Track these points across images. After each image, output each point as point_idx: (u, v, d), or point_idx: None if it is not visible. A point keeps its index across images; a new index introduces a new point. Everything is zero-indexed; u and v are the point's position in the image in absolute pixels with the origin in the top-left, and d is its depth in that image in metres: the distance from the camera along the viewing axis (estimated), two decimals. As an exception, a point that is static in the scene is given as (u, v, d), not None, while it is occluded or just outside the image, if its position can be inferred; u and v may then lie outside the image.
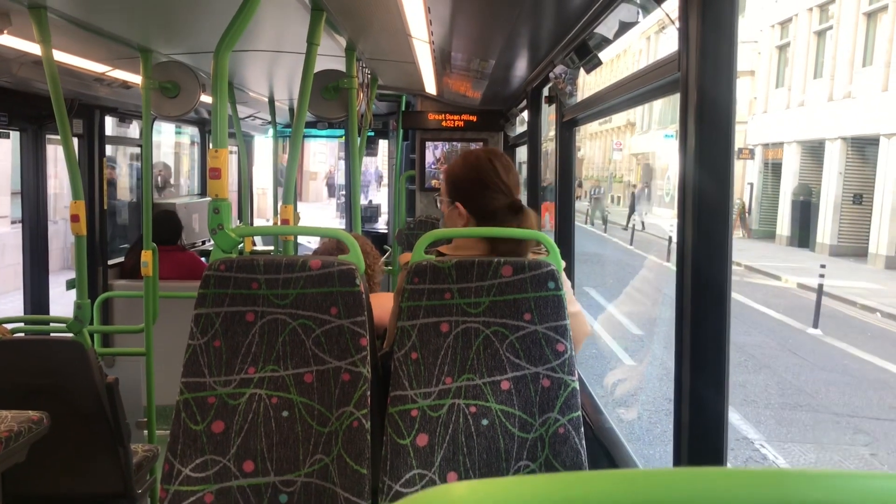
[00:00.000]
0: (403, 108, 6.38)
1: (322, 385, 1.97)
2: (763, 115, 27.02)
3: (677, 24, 1.65)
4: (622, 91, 2.41)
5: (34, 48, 2.99)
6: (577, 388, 2.01)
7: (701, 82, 1.58)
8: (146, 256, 3.72)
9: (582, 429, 1.98)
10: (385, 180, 15.05)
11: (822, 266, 13.18)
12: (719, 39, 1.55)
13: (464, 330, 2.01)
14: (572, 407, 1.98)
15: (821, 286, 12.59)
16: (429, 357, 2.00)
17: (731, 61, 1.56)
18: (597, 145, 48.35)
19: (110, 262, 5.29)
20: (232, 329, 1.99)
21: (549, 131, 4.88)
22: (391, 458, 1.94)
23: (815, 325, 11.96)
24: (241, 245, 4.41)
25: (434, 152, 6.30)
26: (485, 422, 1.98)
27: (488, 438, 1.97)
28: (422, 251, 2.06)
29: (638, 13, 2.12)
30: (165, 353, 3.97)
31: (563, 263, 2.10)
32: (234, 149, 7.17)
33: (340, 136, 9.64)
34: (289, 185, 2.98)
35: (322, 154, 30.04)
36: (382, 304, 2.73)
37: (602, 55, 2.81)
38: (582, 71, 3.07)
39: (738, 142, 28.00)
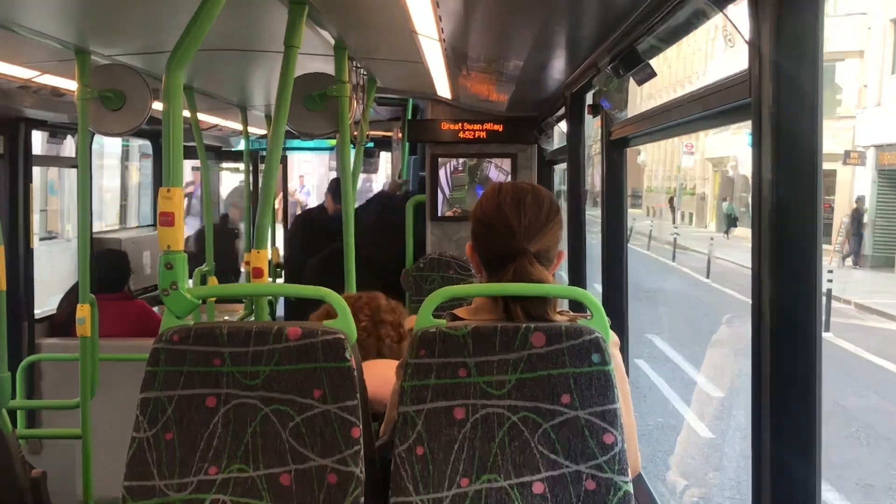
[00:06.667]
0: (410, 116, 6.38)
1: (303, 489, 1.99)
2: (876, 108, 26.91)
3: (747, 36, 1.68)
4: (681, 113, 2.43)
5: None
6: (631, 490, 2.01)
7: (777, 110, 1.60)
8: (83, 311, 3.76)
9: (636, 545, 1.98)
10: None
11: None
12: (800, 58, 1.57)
13: (484, 416, 2.02)
14: None
15: (954, 332, 12.47)
16: (439, 452, 2.01)
17: (816, 86, 1.58)
18: (661, 148, 48.37)
19: (38, 316, 5.34)
20: (188, 417, 2.01)
21: (595, 141, 4.89)
22: None
23: (949, 384, 11.84)
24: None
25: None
26: None
27: None
28: (429, 314, 2.07)
29: (700, 15, 2.16)
30: (108, 431, 3.98)
31: (615, 338, 2.11)
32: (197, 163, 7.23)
33: (331, 148, 9.67)
34: (262, 225, 2.98)
35: (308, 164, 30.08)
36: (381, 374, 2.73)
37: None
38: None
39: (846, 143, 27.88)
